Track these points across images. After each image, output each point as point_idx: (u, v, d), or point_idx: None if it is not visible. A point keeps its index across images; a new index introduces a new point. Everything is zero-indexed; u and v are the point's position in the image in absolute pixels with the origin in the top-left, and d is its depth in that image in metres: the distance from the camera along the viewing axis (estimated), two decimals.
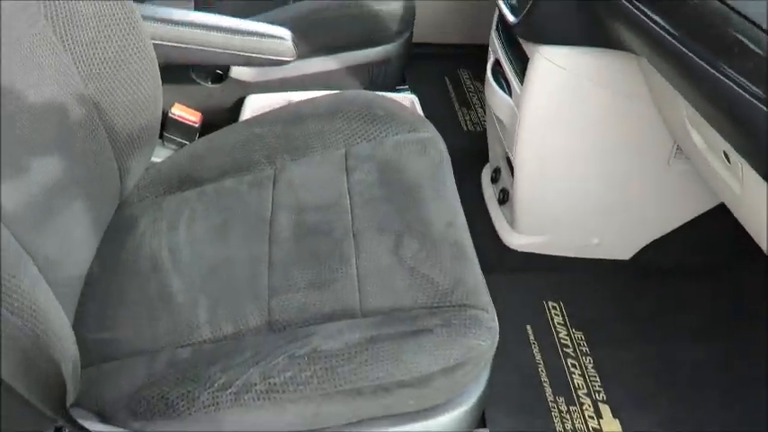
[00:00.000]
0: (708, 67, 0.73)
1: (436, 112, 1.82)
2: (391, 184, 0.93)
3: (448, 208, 0.90)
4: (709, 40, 0.75)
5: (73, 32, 0.80)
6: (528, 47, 1.13)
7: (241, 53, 0.97)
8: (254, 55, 0.98)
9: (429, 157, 0.98)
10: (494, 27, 1.35)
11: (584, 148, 1.21)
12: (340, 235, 0.85)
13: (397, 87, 1.68)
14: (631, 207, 1.30)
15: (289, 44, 0.98)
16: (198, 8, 1.37)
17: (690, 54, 0.77)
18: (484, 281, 0.80)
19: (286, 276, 0.82)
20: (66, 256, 0.79)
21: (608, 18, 0.97)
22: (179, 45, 0.96)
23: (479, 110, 1.88)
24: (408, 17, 1.44)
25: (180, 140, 1.18)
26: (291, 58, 1.00)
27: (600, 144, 1.20)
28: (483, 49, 1.51)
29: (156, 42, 0.95)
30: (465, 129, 1.82)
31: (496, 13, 1.32)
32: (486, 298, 0.78)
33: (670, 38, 0.81)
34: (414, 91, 1.85)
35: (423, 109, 1.45)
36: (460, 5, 2.05)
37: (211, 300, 0.81)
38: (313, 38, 1.38)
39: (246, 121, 1.09)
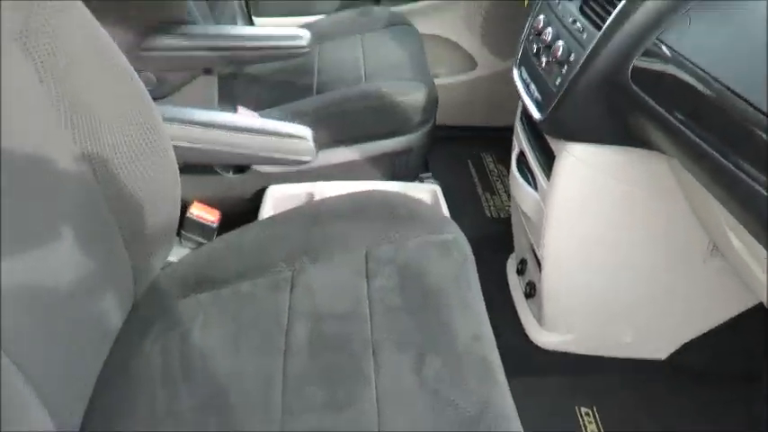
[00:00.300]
0: (740, 174, 0.70)
1: (459, 198, 1.81)
2: (413, 290, 0.89)
3: (473, 318, 0.86)
4: (742, 145, 0.71)
5: (93, 141, 0.79)
6: (554, 143, 1.11)
7: (262, 154, 0.96)
8: (274, 155, 0.97)
9: (453, 260, 0.94)
10: (518, 117, 1.34)
11: (615, 245, 1.16)
12: (359, 349, 0.81)
13: (420, 175, 1.66)
14: (665, 305, 1.24)
15: (309, 144, 0.97)
16: (221, 100, 1.39)
17: (721, 158, 0.73)
18: (513, 404, 0.74)
19: (300, 394, 0.77)
20: (70, 372, 0.75)
21: (635, 118, 0.94)
22: (199, 146, 0.95)
23: (503, 195, 1.85)
24: (431, 107, 1.44)
25: (198, 239, 1.16)
26: (311, 159, 0.98)
27: (631, 241, 1.15)
28: (506, 132, 1.50)
29: (176, 144, 0.94)
30: (489, 215, 1.79)
31: (520, 103, 1.31)
32: (516, 424, 0.72)
33: (700, 141, 0.78)
34: (436, 176, 1.84)
35: (446, 196, 1.43)
36: (483, 88, 2.06)
37: (221, 419, 0.76)
38: (335, 129, 1.38)
39: (266, 220, 1.06)
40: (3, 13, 0.67)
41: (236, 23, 1.69)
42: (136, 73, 0.84)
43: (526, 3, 1.40)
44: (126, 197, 0.85)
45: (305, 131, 0.97)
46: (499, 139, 1.85)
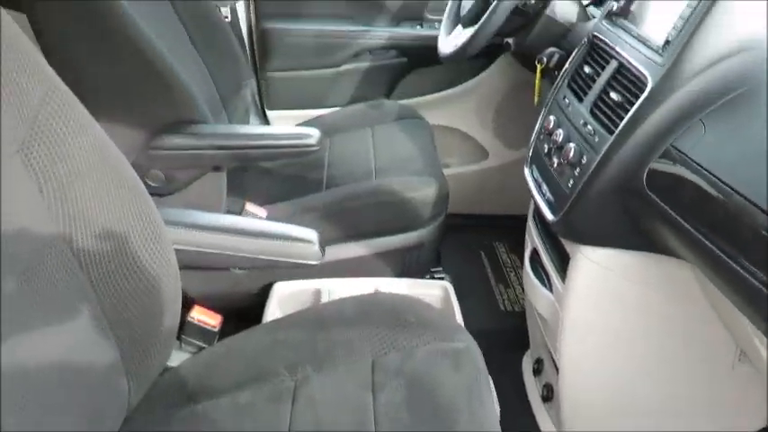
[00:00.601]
0: (758, 284, 0.67)
1: (472, 290, 1.77)
2: (422, 406, 0.84)
3: None
4: (760, 255, 0.68)
5: (91, 253, 0.77)
6: (568, 244, 1.07)
7: (266, 258, 0.94)
8: (279, 259, 0.95)
9: (464, 373, 0.89)
10: (530, 215, 1.31)
11: (636, 350, 1.10)
12: None
13: (431, 269, 1.63)
14: (690, 413, 1.16)
15: (315, 248, 0.95)
16: (230, 193, 1.38)
17: (738, 268, 0.70)
18: None
19: None
20: None
21: (652, 223, 0.91)
22: (202, 250, 0.93)
23: (517, 288, 1.81)
24: (441, 202, 1.42)
25: (198, 344, 1.13)
26: (317, 262, 0.96)
27: (653, 347, 1.09)
28: (518, 221, 1.47)
29: (179, 248, 0.92)
30: (503, 308, 1.73)
31: (533, 201, 1.28)
32: None
33: (717, 249, 0.75)
34: (448, 267, 1.80)
35: (458, 288, 1.39)
36: (494, 178, 2.05)
37: None
38: (345, 224, 1.36)
39: (269, 324, 1.03)
40: (4, 125, 0.66)
41: (248, 116, 1.71)
42: (139, 179, 0.83)
43: (536, 101, 1.41)
44: (123, 307, 0.82)
45: (311, 234, 0.95)
46: (512, 228, 1.83)
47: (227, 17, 1.75)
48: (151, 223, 0.83)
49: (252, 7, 1.86)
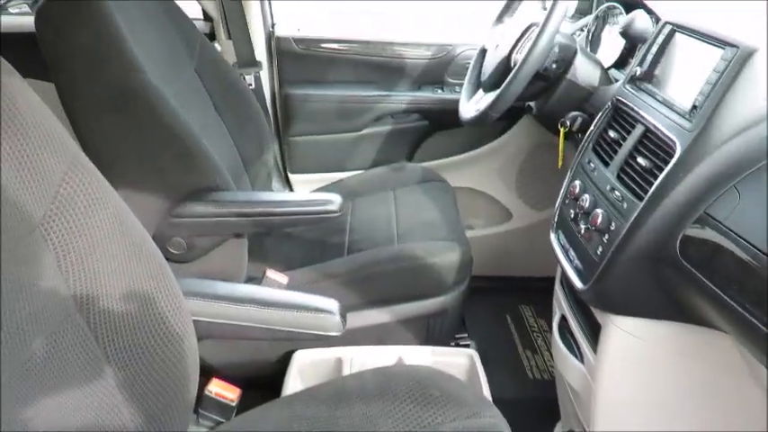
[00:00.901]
0: None
1: (498, 357, 1.71)
2: None
3: None
4: None
5: (107, 328, 0.75)
6: (599, 313, 1.03)
7: (286, 329, 0.92)
8: (300, 330, 0.92)
9: None
10: (557, 281, 1.27)
11: (674, 424, 1.04)
12: None
13: (456, 336, 1.59)
14: None
15: (336, 319, 0.92)
16: (251, 258, 1.37)
17: None
18: None
19: None
20: None
21: (687, 293, 0.87)
22: (221, 321, 0.91)
23: (546, 354, 1.74)
24: (465, 267, 1.39)
25: (216, 418, 1.09)
26: (338, 333, 0.93)
27: (692, 420, 1.03)
28: (545, 282, 1.42)
29: (198, 319, 0.90)
30: (531, 376, 1.67)
31: (560, 267, 1.25)
32: None
33: (756, 321, 0.71)
34: (473, 332, 1.76)
35: (483, 355, 1.35)
36: (519, 239, 2.02)
37: None
38: (366, 291, 1.34)
39: (287, 398, 0.99)
40: (25, 201, 0.66)
41: (271, 180, 1.72)
42: (159, 250, 0.82)
43: (560, 164, 1.39)
44: (140, 382, 0.80)
45: (332, 305, 0.93)
46: (538, 291, 1.78)
47: (251, 84, 1.78)
48: (170, 295, 0.82)
49: (275, 74, 1.90)
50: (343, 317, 0.94)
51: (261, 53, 1.85)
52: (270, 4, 1.90)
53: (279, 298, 0.94)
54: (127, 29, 1.13)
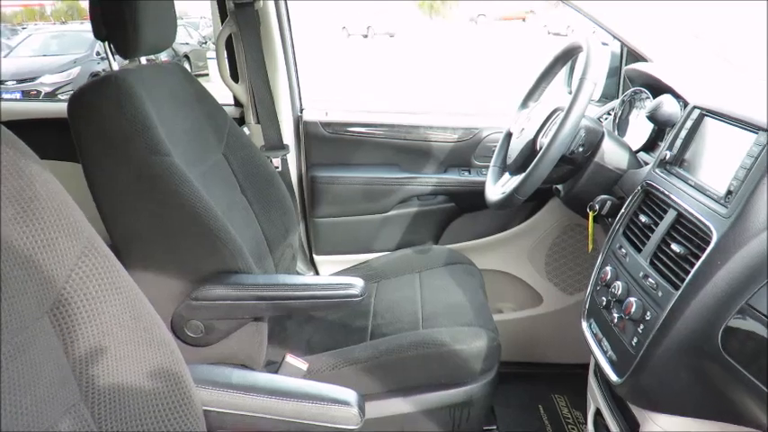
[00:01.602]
0: None
1: None
2: None
3: None
4: None
5: (113, 418, 0.72)
6: (636, 410, 0.96)
7: (301, 421, 0.87)
8: (315, 423, 0.87)
9: None
10: (591, 372, 1.20)
11: None
12: None
13: (484, 428, 1.50)
14: None
15: (354, 411, 0.87)
16: (271, 342, 1.33)
17: None
18: None
19: None
20: None
21: (731, 390, 0.80)
22: (233, 412, 0.87)
23: None
24: (493, 355, 1.33)
25: None
26: (356, 427, 0.88)
27: None
28: (579, 369, 1.34)
29: (208, 409, 0.86)
30: None
31: (593, 358, 1.18)
32: None
33: None
34: (502, 425, 1.66)
35: None
36: (550, 324, 1.95)
37: None
38: (389, 378, 1.29)
39: None
40: (37, 286, 0.65)
41: (295, 262, 1.70)
42: (171, 336, 0.80)
43: (590, 247, 1.35)
44: None
45: (350, 395, 0.88)
46: (572, 378, 1.69)
47: (277, 167, 1.80)
48: (179, 385, 0.78)
49: (302, 157, 1.92)
50: (362, 408, 0.89)
51: (288, 136, 1.88)
52: (299, 89, 1.95)
53: (294, 388, 0.90)
54: (155, 113, 1.16)
